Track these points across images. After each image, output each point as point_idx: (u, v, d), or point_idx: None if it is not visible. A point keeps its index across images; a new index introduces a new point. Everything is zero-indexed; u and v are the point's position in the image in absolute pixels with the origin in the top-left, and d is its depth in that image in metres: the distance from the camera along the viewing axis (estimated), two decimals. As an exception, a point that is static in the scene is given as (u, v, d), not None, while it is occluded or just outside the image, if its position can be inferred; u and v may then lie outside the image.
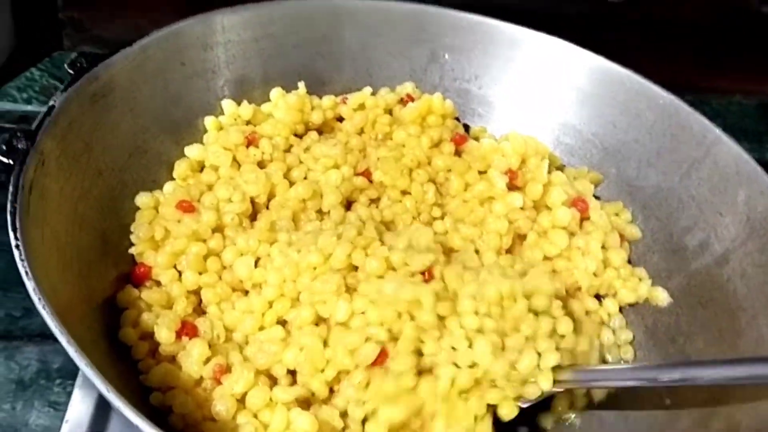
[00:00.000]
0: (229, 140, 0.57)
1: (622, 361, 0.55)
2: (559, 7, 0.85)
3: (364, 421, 0.45)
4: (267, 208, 0.55)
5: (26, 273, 0.38)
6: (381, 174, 0.57)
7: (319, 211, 0.56)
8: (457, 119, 0.64)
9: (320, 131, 0.62)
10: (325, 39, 0.63)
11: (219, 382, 0.45)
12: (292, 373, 0.47)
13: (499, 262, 0.53)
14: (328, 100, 0.63)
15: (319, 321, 0.48)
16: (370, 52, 0.65)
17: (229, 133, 0.57)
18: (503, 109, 0.65)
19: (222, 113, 0.60)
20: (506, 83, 0.65)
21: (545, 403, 0.50)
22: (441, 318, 0.46)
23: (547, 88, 0.63)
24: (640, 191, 0.59)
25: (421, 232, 0.52)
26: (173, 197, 0.53)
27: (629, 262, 0.58)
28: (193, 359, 0.45)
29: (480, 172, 0.58)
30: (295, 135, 0.61)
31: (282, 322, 0.49)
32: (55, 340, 0.36)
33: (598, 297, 0.56)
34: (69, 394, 0.51)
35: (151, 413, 0.42)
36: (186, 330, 0.47)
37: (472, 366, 0.45)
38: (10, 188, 0.41)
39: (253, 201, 0.55)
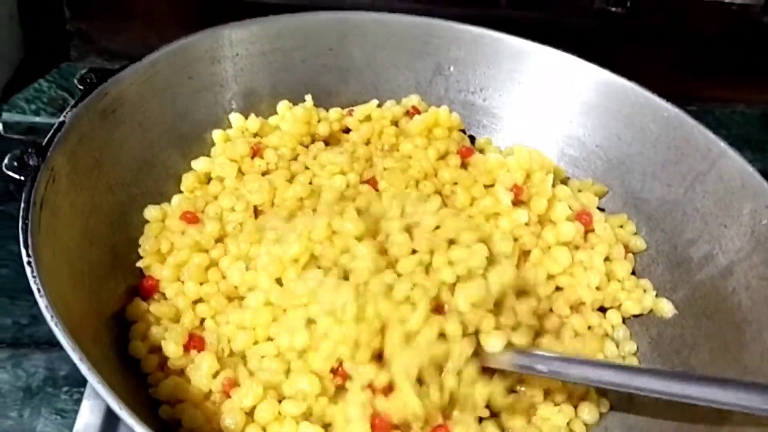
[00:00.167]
0: (235, 152, 0.57)
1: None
2: (563, 19, 0.85)
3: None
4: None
5: (38, 290, 0.38)
6: (387, 184, 0.57)
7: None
8: (463, 131, 0.65)
9: (327, 142, 0.62)
10: (332, 52, 0.63)
11: (228, 396, 0.45)
12: None
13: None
14: (334, 113, 0.63)
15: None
16: (376, 65, 0.65)
17: (236, 144, 0.58)
18: (508, 120, 0.66)
19: (230, 126, 0.60)
20: (511, 95, 0.65)
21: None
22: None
23: (552, 100, 0.63)
24: (644, 203, 0.59)
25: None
26: (178, 209, 0.53)
27: (634, 273, 0.58)
28: (201, 373, 0.46)
29: (486, 186, 0.58)
30: (302, 145, 0.61)
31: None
32: (62, 347, 0.36)
33: (603, 309, 0.56)
34: (76, 402, 0.52)
35: (160, 427, 0.43)
36: (194, 343, 0.47)
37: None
38: (22, 204, 0.42)
39: (256, 210, 0.55)
